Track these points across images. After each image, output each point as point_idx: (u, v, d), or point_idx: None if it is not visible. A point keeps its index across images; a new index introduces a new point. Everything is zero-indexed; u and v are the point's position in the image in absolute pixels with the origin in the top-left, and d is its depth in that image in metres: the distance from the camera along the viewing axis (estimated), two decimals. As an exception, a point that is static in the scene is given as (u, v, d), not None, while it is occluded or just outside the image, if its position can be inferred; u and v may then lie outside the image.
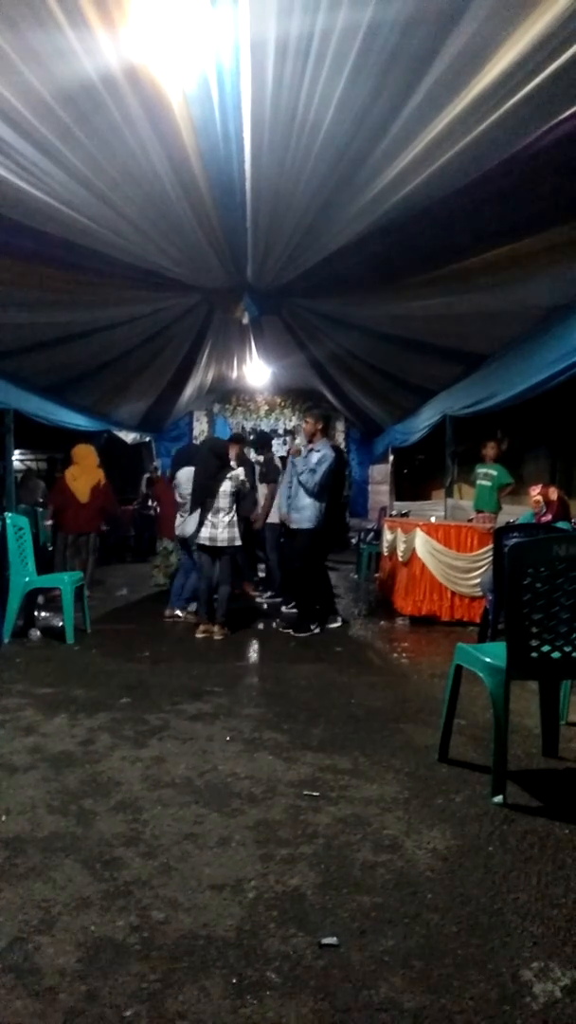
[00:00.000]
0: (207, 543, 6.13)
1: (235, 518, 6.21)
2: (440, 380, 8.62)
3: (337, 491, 6.85)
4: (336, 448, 7.44)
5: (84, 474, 7.33)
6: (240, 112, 3.45)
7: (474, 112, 3.25)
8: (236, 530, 6.19)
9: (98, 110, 3.34)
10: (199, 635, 6.14)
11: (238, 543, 6.24)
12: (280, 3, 2.65)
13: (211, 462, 6.20)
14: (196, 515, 6.23)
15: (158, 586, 8.60)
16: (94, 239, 4.99)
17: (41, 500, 10.04)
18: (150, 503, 12.23)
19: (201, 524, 6.12)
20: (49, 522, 8.20)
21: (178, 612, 7.00)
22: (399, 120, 3.41)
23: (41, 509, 9.04)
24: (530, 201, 4.15)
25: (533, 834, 2.66)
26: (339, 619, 6.80)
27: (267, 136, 3.66)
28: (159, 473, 12.37)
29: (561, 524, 5.44)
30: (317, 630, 6.41)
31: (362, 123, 3.48)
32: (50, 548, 7.99)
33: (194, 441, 13.46)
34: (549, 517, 5.97)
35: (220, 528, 6.09)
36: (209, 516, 6.12)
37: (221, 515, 6.10)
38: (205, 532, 6.12)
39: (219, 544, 6.10)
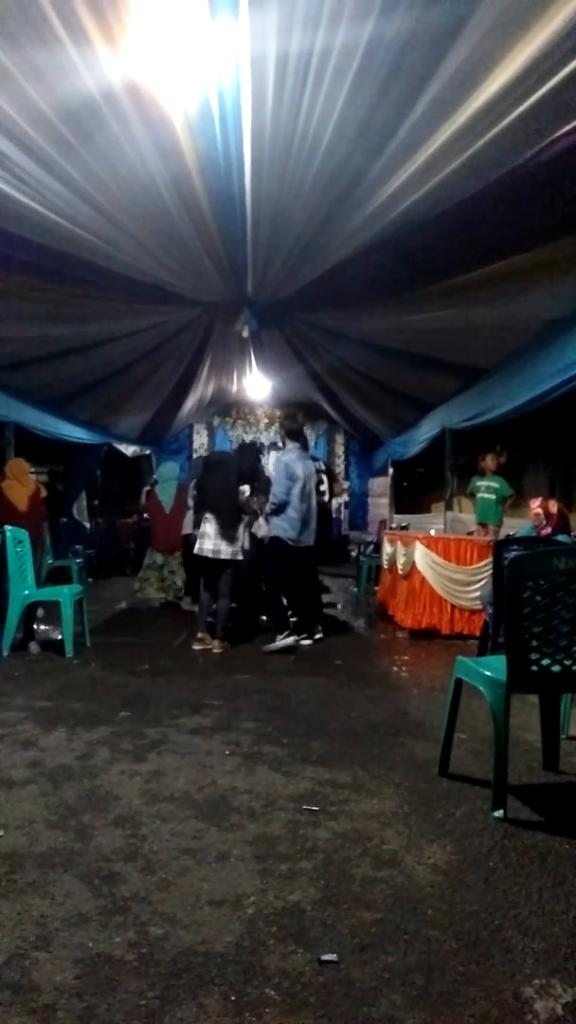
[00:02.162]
0: (209, 555, 6.13)
1: (238, 532, 6.21)
2: (439, 393, 8.66)
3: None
4: (313, 458, 7.29)
5: (22, 485, 7.09)
6: (240, 127, 3.48)
7: (473, 128, 3.29)
8: (238, 544, 6.18)
9: (99, 125, 3.38)
10: (196, 647, 6.13)
11: (240, 557, 6.23)
12: (280, 20, 2.68)
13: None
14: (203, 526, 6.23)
15: (155, 599, 8.67)
16: (94, 253, 5.02)
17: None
18: (145, 516, 12.20)
19: (223, 538, 6.11)
20: None
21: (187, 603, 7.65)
22: (398, 136, 3.45)
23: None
24: (528, 215, 4.19)
25: (534, 849, 2.64)
26: (318, 635, 6.55)
27: (267, 151, 3.70)
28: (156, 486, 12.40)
29: (561, 537, 5.44)
30: (286, 641, 6.09)
31: (361, 139, 3.52)
32: (49, 562, 7.98)
33: (195, 453, 13.49)
34: (549, 530, 5.98)
35: (220, 540, 6.08)
36: (207, 528, 6.12)
37: (221, 527, 6.09)
38: (208, 545, 6.11)
39: (221, 557, 6.10)
